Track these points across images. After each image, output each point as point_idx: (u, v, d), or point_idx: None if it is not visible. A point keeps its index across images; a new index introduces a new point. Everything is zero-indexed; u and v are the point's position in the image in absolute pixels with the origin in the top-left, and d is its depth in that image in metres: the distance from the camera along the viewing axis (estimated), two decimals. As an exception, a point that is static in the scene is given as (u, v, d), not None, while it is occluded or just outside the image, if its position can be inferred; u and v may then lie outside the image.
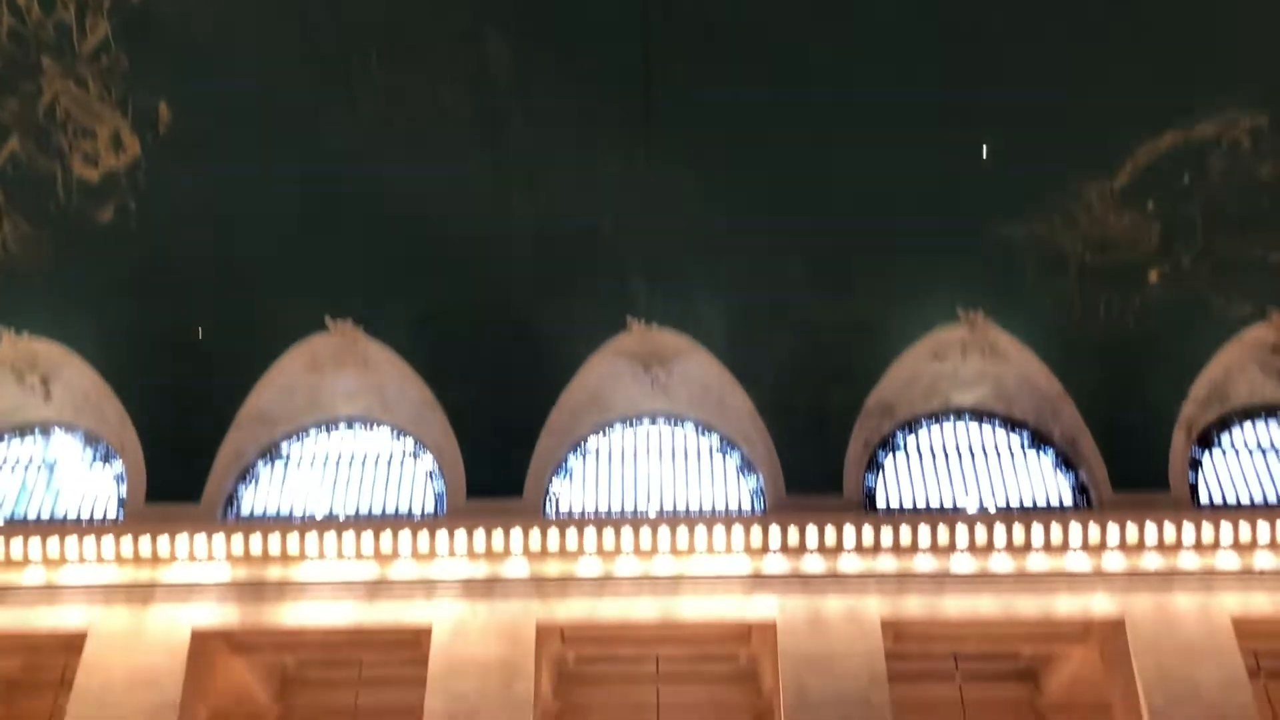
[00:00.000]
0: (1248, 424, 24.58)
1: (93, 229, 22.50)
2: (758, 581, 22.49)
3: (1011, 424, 24.92)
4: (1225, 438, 24.39)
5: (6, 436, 24.81)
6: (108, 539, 22.22)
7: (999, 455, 24.60)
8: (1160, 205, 22.13)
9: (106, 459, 24.34)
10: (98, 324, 23.58)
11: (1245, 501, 23.60)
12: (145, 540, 22.18)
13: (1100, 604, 21.97)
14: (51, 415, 24.74)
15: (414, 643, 22.73)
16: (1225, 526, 22.16)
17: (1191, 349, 23.64)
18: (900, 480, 24.28)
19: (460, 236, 23.08)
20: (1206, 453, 24.20)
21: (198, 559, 22.29)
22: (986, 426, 25.03)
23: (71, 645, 21.79)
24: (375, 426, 25.02)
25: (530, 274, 23.48)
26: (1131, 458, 23.24)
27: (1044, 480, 24.18)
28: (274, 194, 22.42)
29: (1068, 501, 23.77)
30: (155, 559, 22.26)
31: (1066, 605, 22.02)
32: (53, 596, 22.04)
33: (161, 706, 21.01)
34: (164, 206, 22.39)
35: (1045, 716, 25.38)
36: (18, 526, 22.82)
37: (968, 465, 24.46)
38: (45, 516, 23.77)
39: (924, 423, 25.04)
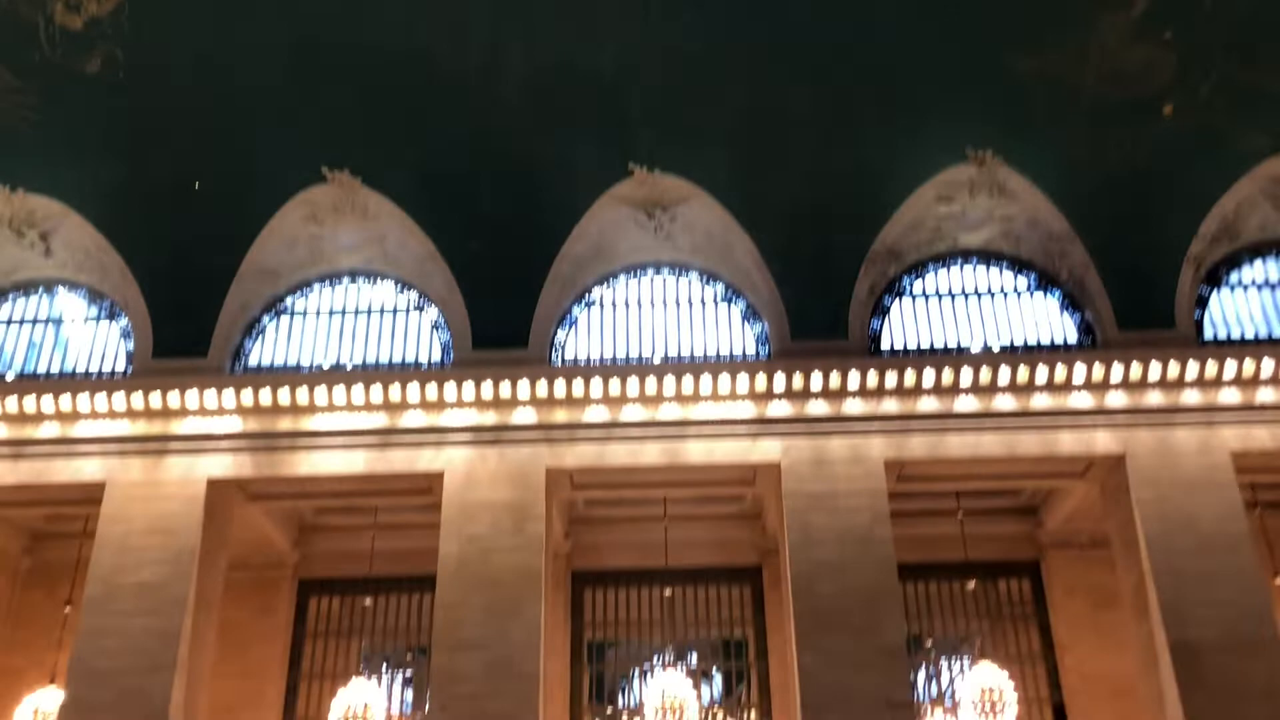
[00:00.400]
0: (1257, 261, 24.36)
1: (81, 81, 21.90)
2: (762, 425, 22.75)
3: (1019, 265, 24.73)
4: (1234, 274, 24.22)
5: (11, 295, 24.82)
6: (119, 394, 22.45)
7: (1005, 297, 24.52)
8: (1178, 34, 21.33)
9: (111, 315, 24.39)
10: (93, 179, 23.24)
11: (1250, 337, 23.62)
12: (156, 394, 22.41)
13: (1102, 441, 22.24)
14: (53, 272, 24.67)
15: (426, 489, 23.23)
16: (1229, 363, 22.21)
17: (1203, 184, 23.22)
18: (905, 324, 24.28)
19: (458, 84, 22.48)
20: (1214, 290, 24.08)
21: (209, 411, 22.57)
22: (994, 269, 24.85)
23: (91, 496, 22.32)
24: (378, 280, 24.93)
25: (530, 121, 22.94)
26: (1138, 296, 23.13)
27: (1050, 321, 24.16)
28: (266, 41, 21.74)
29: (1073, 341, 23.78)
30: (167, 412, 22.55)
31: (1069, 442, 22.29)
32: (69, 450, 22.42)
33: (182, 553, 21.64)
34: (153, 56, 21.73)
35: (1045, 550, 26.07)
36: (30, 383, 23.01)
37: (973, 307, 24.41)
38: (55, 372, 23.98)
39: (930, 266, 24.86)
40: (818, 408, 22.78)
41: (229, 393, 22.48)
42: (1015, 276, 24.72)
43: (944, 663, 25.59)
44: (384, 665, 25.48)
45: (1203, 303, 23.95)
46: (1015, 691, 21.42)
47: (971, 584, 24.90)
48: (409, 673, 25.89)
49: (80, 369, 23.97)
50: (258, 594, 25.70)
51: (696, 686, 23.61)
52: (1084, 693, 24.45)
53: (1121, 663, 23.57)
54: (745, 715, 25.47)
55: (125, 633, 20.94)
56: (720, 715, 25.49)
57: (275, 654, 25.46)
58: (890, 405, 22.73)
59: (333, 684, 23.35)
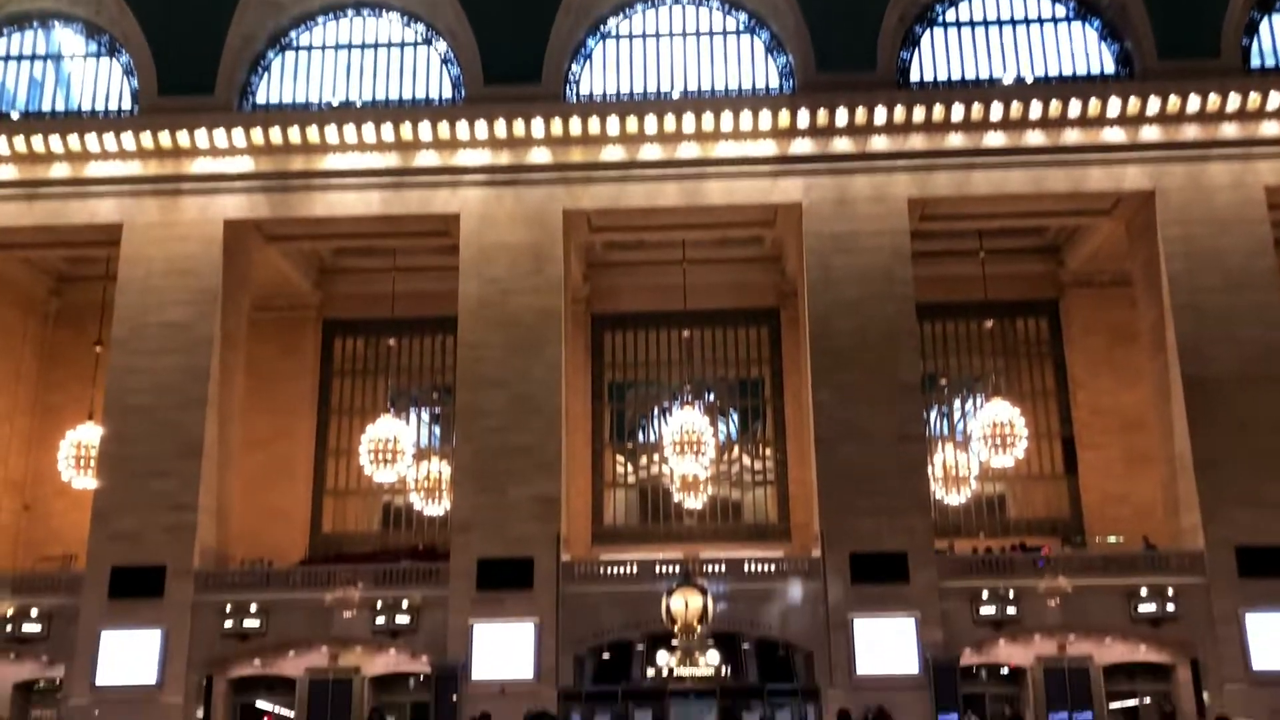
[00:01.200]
0: (1318, -19, 22.84)
1: None
2: (784, 164, 22.25)
3: (1058, -11, 23.36)
4: (1290, -5, 22.82)
5: (5, 29, 23.90)
6: (127, 133, 22.06)
7: (1041, 25, 23.27)
8: None
9: (112, 51, 23.57)
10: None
11: (1299, 63, 22.50)
12: (165, 134, 22.00)
13: (1132, 176, 21.70)
14: (47, 4, 23.67)
15: (443, 231, 23.12)
16: (1273, 94, 21.26)
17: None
18: (936, 54, 23.18)
19: None
20: (1266, 15, 22.69)
21: (220, 151, 22.20)
22: (1031, -7, 23.50)
23: (110, 238, 22.40)
24: (384, 11, 23.83)
25: None
26: (1183, 23, 21.89)
27: (1086, 51, 23.00)
28: None
29: (1110, 73, 22.72)
30: (178, 151, 22.21)
31: (1098, 178, 21.77)
32: (82, 191, 22.30)
33: (204, 293, 21.89)
34: None
35: (1065, 288, 25.97)
36: (37, 122, 22.60)
37: (1008, 37, 23.20)
38: (61, 111, 23.44)
39: (964, -10, 23.53)
40: (842, 144, 22.17)
41: (239, 132, 22.01)
42: (1053, 3, 23.35)
43: (958, 400, 26.05)
44: (410, 403, 26.18)
45: (1253, 29, 22.63)
46: (1026, 427, 21.81)
47: (990, 323, 24.96)
48: (436, 409, 26.67)
49: (86, 108, 23.42)
50: (283, 334, 26.15)
51: (714, 423, 24.24)
52: (1094, 426, 24.99)
53: (1134, 398, 23.95)
54: (761, 450, 26.28)
55: (155, 371, 21.50)
56: (737, 450, 26.32)
57: (304, 392, 26.20)
58: (917, 141, 22.08)
59: (361, 420, 24.07)
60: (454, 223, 22.52)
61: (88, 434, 21.73)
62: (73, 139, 22.02)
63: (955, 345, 25.89)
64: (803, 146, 22.25)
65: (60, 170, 22.27)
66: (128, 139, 22.06)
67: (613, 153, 22.36)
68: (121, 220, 22.10)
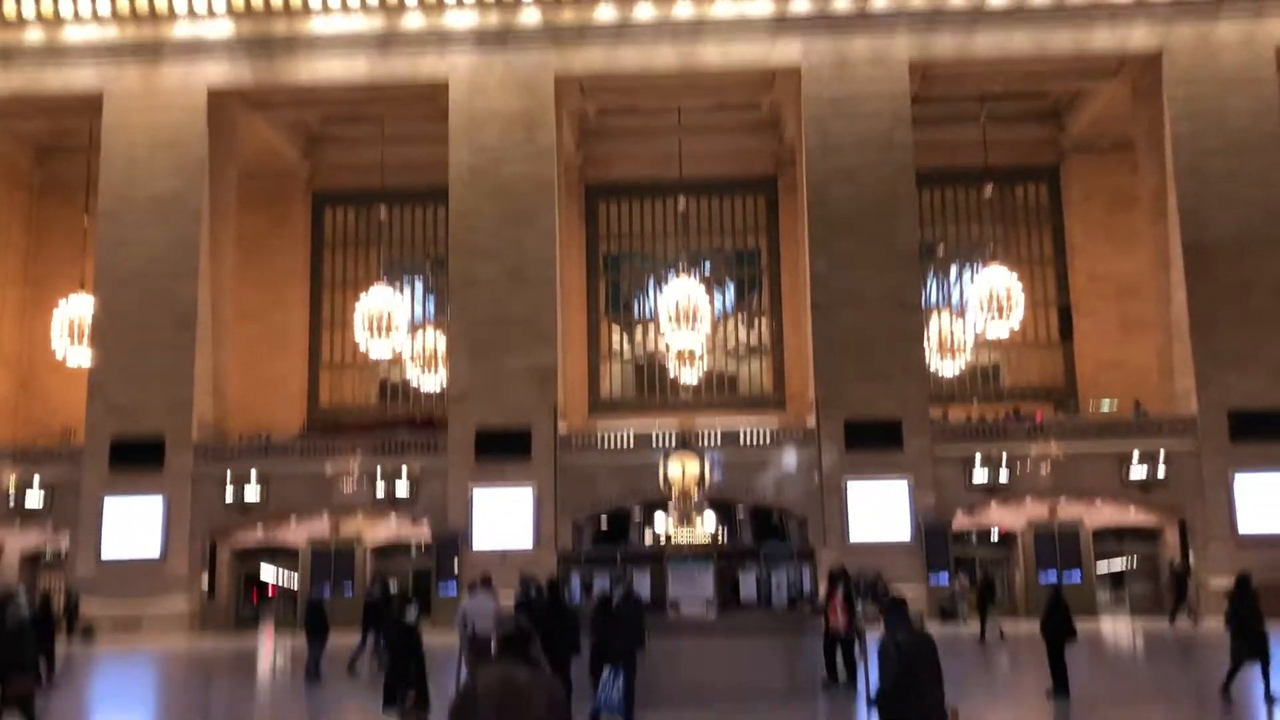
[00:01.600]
0: None
1: None
2: (782, 24, 21.61)
3: None
4: None
5: (-31, -114, 22.83)
6: (102, -4, 21.34)
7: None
8: None
9: (80, -92, 22.55)
10: None
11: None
12: (142, -4, 21.30)
13: (1139, 36, 21.14)
14: None
15: (431, 97, 22.52)
16: (1289, -53, 20.59)
17: None
18: (940, -94, 22.26)
19: None
20: None
21: (200, 15, 21.47)
22: None
23: (91, 107, 21.79)
24: None
25: None
26: None
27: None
28: None
29: (1119, -75, 21.90)
30: (155, 15, 21.47)
31: (1103, 39, 21.19)
32: (59, 57, 21.66)
33: (190, 163, 21.47)
34: None
35: (1065, 154, 25.54)
36: (6, -16, 21.77)
37: (1016, -111, 22.24)
38: (32, -28, 22.58)
39: None
40: (841, 3, 21.49)
41: (219, -7, 21.37)
42: None
43: (955, 268, 25.82)
44: (403, 274, 25.89)
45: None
46: (1023, 293, 21.65)
47: (989, 189, 24.61)
48: (429, 280, 26.41)
49: (58, -31, 22.57)
50: (273, 205, 25.71)
51: (710, 294, 24.00)
52: (1091, 293, 24.89)
53: (1132, 263, 23.79)
54: (757, 321, 26.19)
55: (144, 243, 21.23)
56: (732, 321, 26.21)
57: (296, 264, 25.91)
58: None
59: (355, 292, 23.85)
60: (442, 91, 21.94)
61: (80, 307, 21.53)
62: (45, 2, 21.25)
63: (954, 212, 25.59)
64: (801, 5, 21.60)
65: (34, 35, 21.57)
66: (103, 2, 21.29)
67: (605, 12, 21.68)
68: (101, 88, 21.52)
